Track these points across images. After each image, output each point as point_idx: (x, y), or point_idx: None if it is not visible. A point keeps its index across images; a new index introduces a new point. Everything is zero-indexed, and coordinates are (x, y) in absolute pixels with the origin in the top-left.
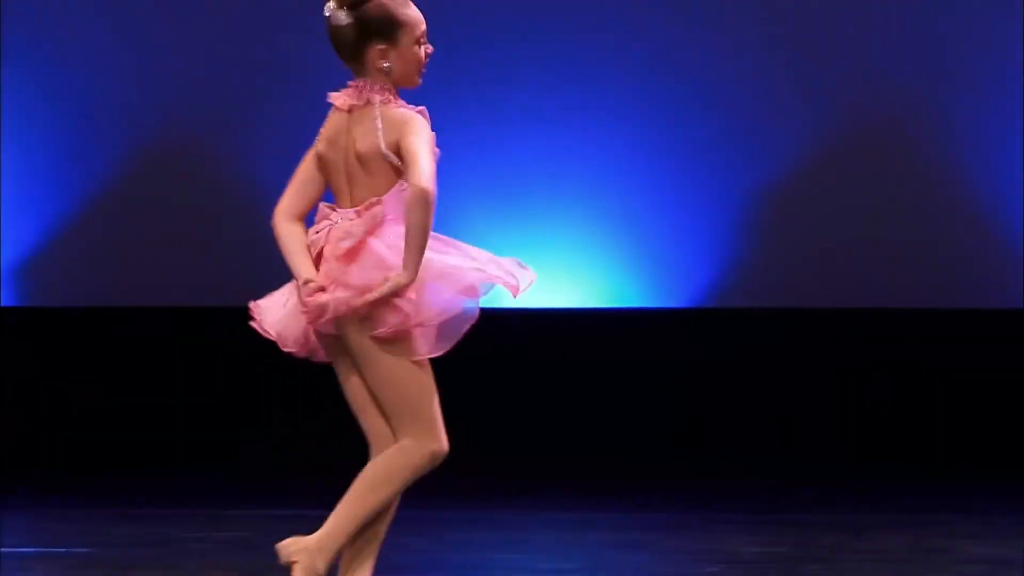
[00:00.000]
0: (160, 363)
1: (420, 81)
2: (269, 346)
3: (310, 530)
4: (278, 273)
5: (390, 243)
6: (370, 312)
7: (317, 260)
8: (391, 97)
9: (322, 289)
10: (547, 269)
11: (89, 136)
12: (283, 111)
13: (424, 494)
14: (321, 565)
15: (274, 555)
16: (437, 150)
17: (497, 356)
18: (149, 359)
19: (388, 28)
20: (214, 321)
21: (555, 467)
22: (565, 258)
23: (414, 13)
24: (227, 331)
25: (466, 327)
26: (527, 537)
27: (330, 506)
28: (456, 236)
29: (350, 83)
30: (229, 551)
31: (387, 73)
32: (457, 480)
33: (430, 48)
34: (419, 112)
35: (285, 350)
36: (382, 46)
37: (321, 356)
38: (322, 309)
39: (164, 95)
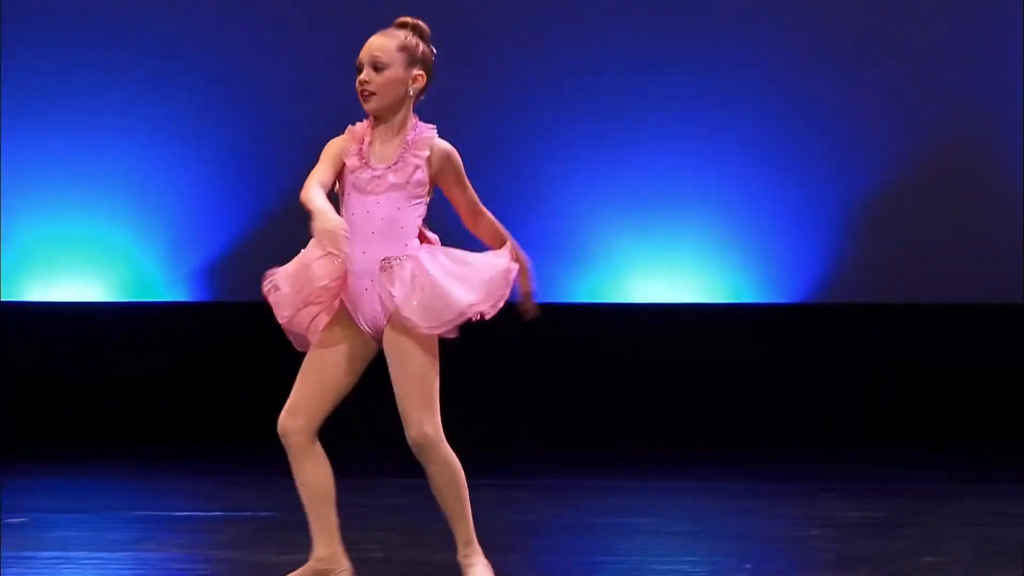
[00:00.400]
0: None
1: (364, 106)
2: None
3: None
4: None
5: None
6: None
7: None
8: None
9: None
10: (673, 267)
11: (273, 143)
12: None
13: (560, 466)
14: (480, 557)
15: (425, 517)
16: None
17: (627, 346)
18: None
19: None
20: None
21: (676, 446)
22: (689, 258)
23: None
24: None
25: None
26: (655, 504)
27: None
28: (601, 239)
29: None
30: (386, 515)
31: None
32: (591, 455)
33: (360, 76)
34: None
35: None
36: None
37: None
38: None
39: None
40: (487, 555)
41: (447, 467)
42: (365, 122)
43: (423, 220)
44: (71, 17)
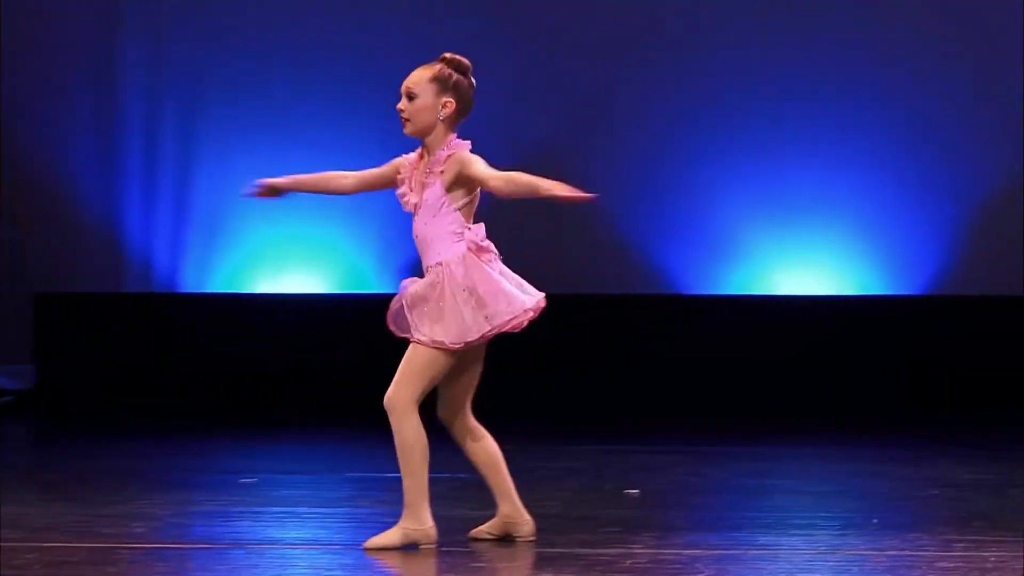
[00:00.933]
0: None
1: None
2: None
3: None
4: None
5: None
6: None
7: None
8: None
9: None
10: (812, 263)
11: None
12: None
13: (716, 436)
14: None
15: (596, 480)
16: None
17: (773, 332)
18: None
19: None
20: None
21: (814, 417)
22: (825, 254)
23: None
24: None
25: None
26: (795, 468)
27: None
28: (747, 239)
29: None
30: (564, 476)
31: None
32: (742, 426)
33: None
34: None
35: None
36: None
37: None
38: None
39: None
40: (653, 508)
41: (398, 434)
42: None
43: (467, 226)
44: (286, 57)
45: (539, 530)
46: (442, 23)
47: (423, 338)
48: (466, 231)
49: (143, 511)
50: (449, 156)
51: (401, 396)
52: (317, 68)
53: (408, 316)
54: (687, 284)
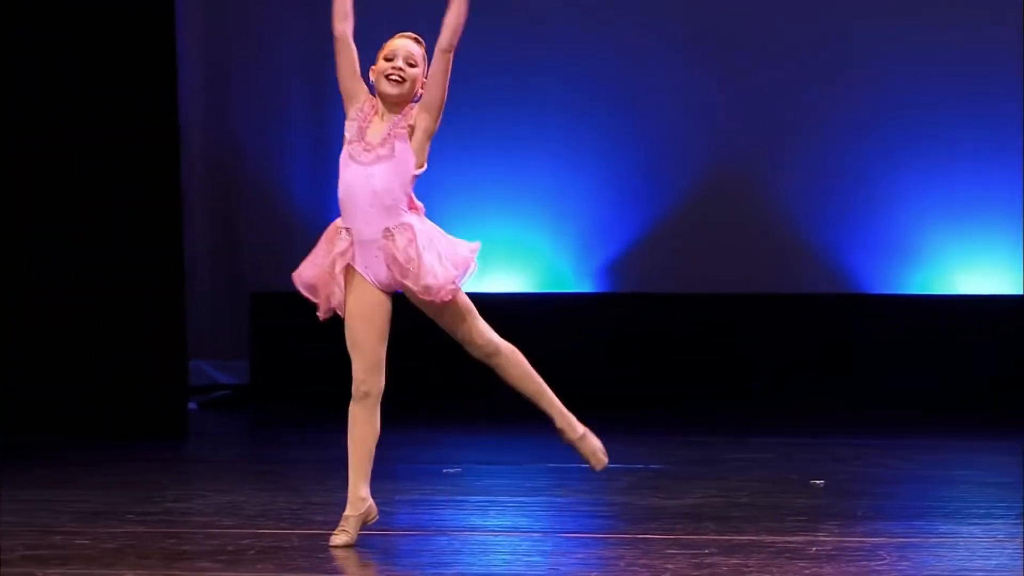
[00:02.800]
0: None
1: (386, 87)
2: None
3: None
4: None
5: None
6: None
7: None
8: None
9: None
10: (989, 263)
11: (664, 157)
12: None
13: (900, 429)
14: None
15: (783, 470)
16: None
17: (952, 330)
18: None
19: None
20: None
21: (986, 410)
22: (1002, 254)
23: (391, 41)
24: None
25: None
26: (973, 460)
27: None
28: (929, 239)
29: None
30: (752, 468)
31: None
32: (924, 420)
33: (396, 63)
34: None
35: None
36: (372, 66)
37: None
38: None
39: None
40: (838, 497)
41: (513, 355)
42: (375, 100)
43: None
44: (492, 59)
45: (729, 518)
46: (624, 31)
47: (446, 293)
48: (413, 198)
49: None
50: (410, 109)
51: (491, 336)
52: (524, 75)
53: (415, 285)
54: (870, 284)
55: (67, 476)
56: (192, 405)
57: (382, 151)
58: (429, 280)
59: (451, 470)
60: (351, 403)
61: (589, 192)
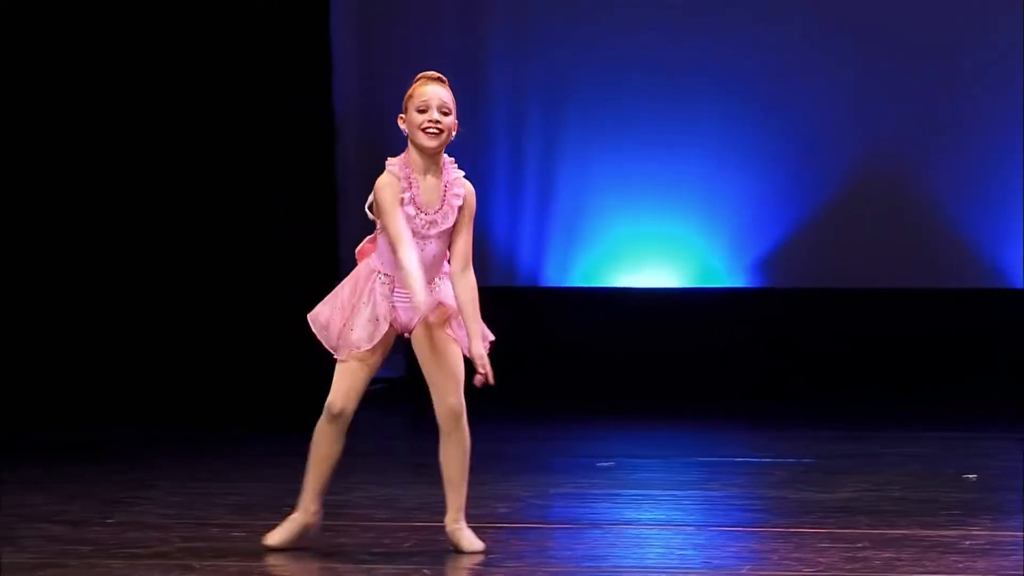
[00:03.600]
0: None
1: (425, 141)
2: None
3: None
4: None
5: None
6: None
7: None
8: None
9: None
10: None
11: (815, 153)
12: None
13: (1002, 424)
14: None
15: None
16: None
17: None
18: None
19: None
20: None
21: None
22: None
23: (419, 88)
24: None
25: None
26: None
27: None
28: None
29: None
30: (906, 462)
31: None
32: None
33: (430, 115)
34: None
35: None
36: (401, 115)
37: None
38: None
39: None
40: (991, 491)
41: (466, 439)
42: (400, 160)
43: None
44: (646, 58)
45: (882, 511)
46: (777, 28)
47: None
48: None
49: (507, 492)
50: (464, 185)
51: (463, 404)
52: (678, 72)
53: (449, 328)
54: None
55: (224, 470)
56: None
57: (442, 224)
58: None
59: (605, 464)
60: (321, 421)
61: (741, 188)
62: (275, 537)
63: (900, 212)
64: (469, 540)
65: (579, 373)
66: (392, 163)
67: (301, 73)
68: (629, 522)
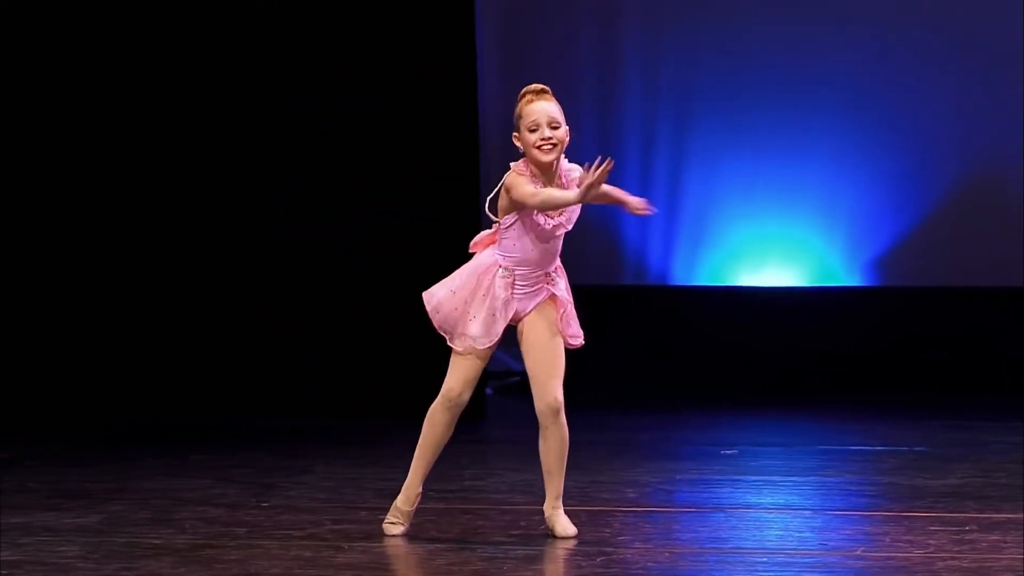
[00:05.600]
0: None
1: (541, 157)
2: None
3: None
4: None
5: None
6: None
7: None
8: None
9: None
10: None
11: (923, 160)
12: None
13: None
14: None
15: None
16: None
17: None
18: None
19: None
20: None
21: None
22: None
23: (526, 107)
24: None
25: None
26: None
27: None
28: None
29: None
30: (1014, 450)
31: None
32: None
33: (542, 133)
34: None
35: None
36: (515, 133)
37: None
38: None
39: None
40: None
41: (564, 429)
42: (524, 165)
43: None
44: (766, 66)
45: (988, 497)
46: (890, 37)
47: (578, 341)
48: None
49: (635, 478)
50: (568, 174)
51: (561, 399)
52: (798, 81)
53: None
54: None
55: (372, 456)
56: (488, 390)
57: (568, 225)
58: (574, 324)
59: (728, 452)
60: (439, 407)
61: (857, 191)
62: (396, 528)
63: (1008, 210)
64: (563, 525)
65: (704, 366)
66: (519, 167)
67: (447, 83)
68: (750, 506)
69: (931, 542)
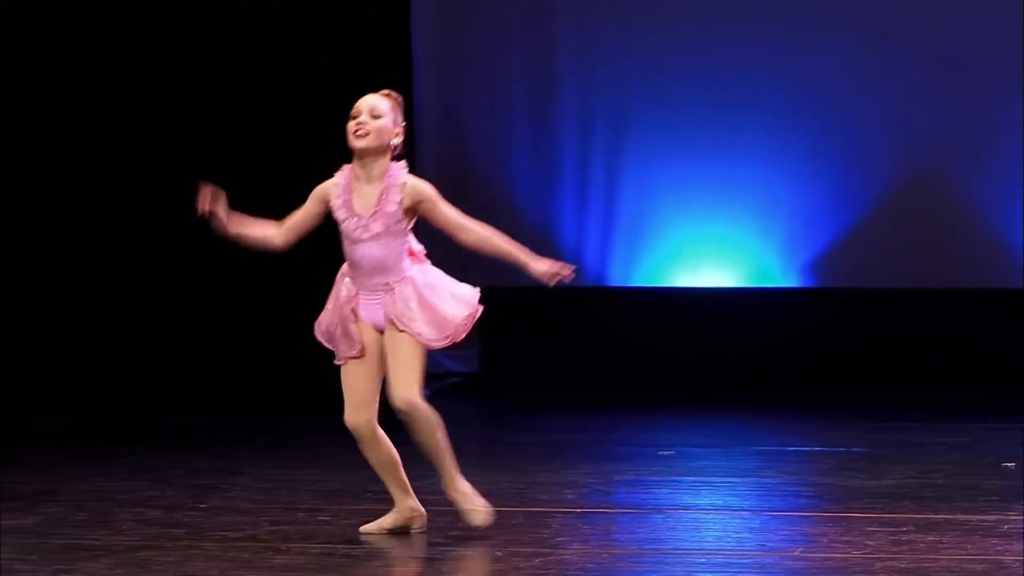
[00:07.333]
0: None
1: (351, 142)
2: None
3: None
4: None
5: None
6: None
7: None
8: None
9: None
10: None
11: (859, 161)
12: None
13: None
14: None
15: (979, 453)
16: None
17: None
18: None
19: None
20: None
21: None
22: None
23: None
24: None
25: None
26: None
27: None
28: None
29: None
30: (947, 452)
31: None
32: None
33: (358, 119)
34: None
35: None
36: None
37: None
38: None
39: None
40: None
41: (430, 419)
42: (346, 169)
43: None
44: (701, 64)
45: (925, 497)
46: (823, 37)
47: (420, 335)
48: (412, 246)
49: (573, 479)
50: (404, 184)
51: (417, 392)
52: (732, 82)
53: (398, 323)
54: None
55: (308, 457)
56: (426, 392)
57: (375, 227)
58: (422, 329)
59: (666, 452)
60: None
61: (794, 190)
62: (371, 526)
63: (944, 214)
64: (471, 503)
65: (641, 367)
66: (342, 170)
67: (381, 79)
68: (688, 507)
69: (869, 543)
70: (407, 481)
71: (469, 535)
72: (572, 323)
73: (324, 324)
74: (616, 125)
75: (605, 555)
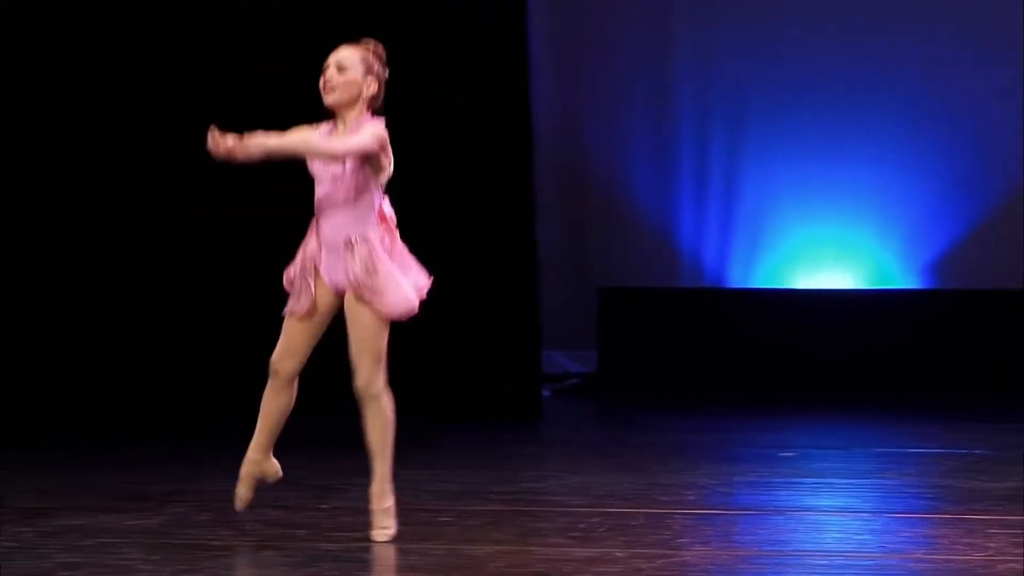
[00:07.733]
0: None
1: (325, 99)
2: None
3: None
4: None
5: None
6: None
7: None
8: None
9: None
10: None
11: (980, 163)
12: None
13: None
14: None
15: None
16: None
17: None
18: None
19: None
20: None
21: None
22: None
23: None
24: None
25: None
26: None
27: None
28: None
29: None
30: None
31: None
32: None
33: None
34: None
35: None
36: None
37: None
38: None
39: None
40: None
41: (385, 411)
42: (329, 123)
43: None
44: (820, 70)
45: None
46: (943, 38)
47: (383, 310)
48: (380, 203)
49: (694, 481)
50: (366, 120)
51: (378, 377)
52: (853, 83)
53: (363, 290)
54: None
55: (432, 458)
56: (546, 392)
57: (335, 168)
58: (381, 300)
59: (787, 454)
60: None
61: (914, 192)
62: (240, 493)
63: None
64: (387, 520)
65: (760, 369)
66: (326, 123)
67: (501, 89)
68: (809, 509)
69: (990, 545)
70: (274, 440)
71: (589, 536)
72: (691, 324)
73: (292, 273)
74: (734, 126)
75: (726, 556)
